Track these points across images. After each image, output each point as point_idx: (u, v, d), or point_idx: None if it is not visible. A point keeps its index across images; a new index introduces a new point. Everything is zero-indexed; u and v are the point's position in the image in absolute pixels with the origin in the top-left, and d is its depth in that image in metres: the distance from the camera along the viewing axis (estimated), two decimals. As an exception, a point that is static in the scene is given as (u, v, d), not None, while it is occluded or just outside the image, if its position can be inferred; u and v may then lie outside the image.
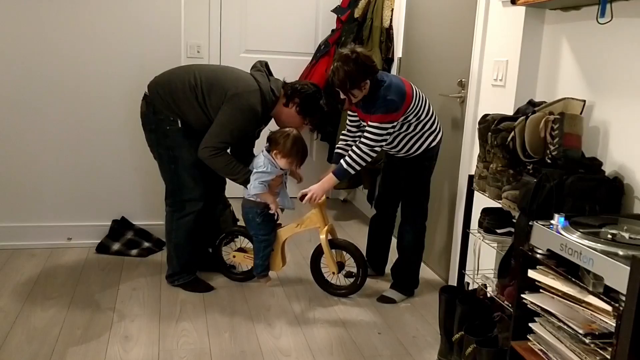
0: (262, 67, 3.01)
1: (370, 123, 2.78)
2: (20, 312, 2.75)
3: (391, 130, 2.80)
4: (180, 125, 2.88)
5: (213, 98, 2.83)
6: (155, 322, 2.74)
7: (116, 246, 3.56)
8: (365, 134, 2.80)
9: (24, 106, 3.41)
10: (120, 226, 3.65)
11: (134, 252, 3.53)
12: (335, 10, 4.52)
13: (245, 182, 2.90)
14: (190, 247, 3.08)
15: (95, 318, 2.74)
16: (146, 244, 3.61)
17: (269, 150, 2.94)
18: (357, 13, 4.27)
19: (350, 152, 2.84)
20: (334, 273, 3.06)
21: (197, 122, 2.89)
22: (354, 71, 2.69)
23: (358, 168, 2.84)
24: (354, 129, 3.09)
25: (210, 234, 3.24)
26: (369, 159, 2.81)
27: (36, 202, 3.53)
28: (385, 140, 2.81)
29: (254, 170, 2.89)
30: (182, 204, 3.00)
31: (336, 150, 3.11)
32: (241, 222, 3.20)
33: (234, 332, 2.69)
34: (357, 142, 2.84)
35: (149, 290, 3.07)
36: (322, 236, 3.00)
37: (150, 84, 2.96)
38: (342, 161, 2.86)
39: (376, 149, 2.80)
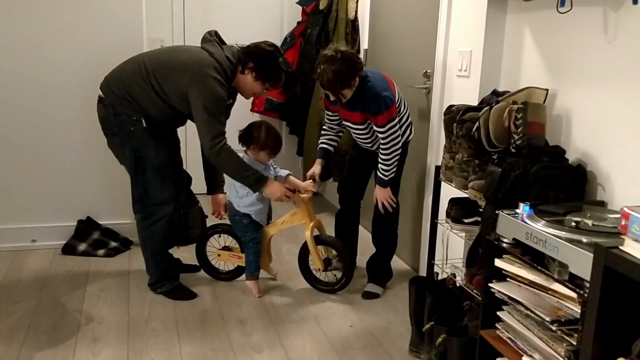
0: (213, 37, 2.84)
1: (379, 125, 2.76)
2: (-17, 318, 2.68)
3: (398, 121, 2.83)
4: (145, 125, 2.77)
5: (170, 83, 2.70)
6: (124, 323, 2.69)
7: (82, 247, 3.49)
8: (383, 139, 2.78)
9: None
10: (86, 226, 3.58)
11: (101, 252, 3.47)
12: (300, 2, 4.49)
13: (255, 182, 2.76)
14: (168, 251, 3.01)
15: (62, 321, 2.68)
16: (113, 244, 3.54)
17: (245, 151, 2.93)
18: (322, 5, 4.25)
19: (380, 164, 2.83)
20: (319, 269, 3.05)
21: (159, 114, 2.77)
22: (343, 70, 2.63)
23: (395, 169, 2.85)
24: (335, 127, 3.08)
25: (176, 235, 3.13)
26: (398, 156, 2.83)
27: (-3, 204, 3.45)
28: (398, 131, 2.81)
29: None
30: (152, 208, 2.86)
31: (321, 146, 3.11)
32: (210, 219, 3.16)
33: (204, 330, 2.66)
34: (379, 151, 2.82)
35: (117, 290, 3.02)
36: (307, 232, 2.97)
37: (102, 85, 2.82)
38: (379, 175, 2.85)
39: (399, 144, 2.81)
